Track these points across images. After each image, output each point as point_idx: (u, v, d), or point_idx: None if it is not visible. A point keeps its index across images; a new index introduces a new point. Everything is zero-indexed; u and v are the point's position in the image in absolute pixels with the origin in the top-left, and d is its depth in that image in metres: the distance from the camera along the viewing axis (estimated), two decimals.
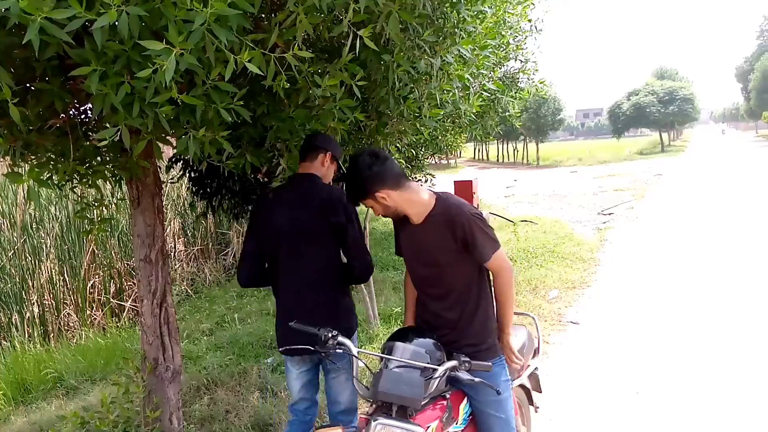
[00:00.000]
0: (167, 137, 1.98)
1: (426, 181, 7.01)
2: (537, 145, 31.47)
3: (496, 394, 1.89)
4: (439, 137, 5.63)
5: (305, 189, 2.35)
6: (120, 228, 7.23)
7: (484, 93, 3.79)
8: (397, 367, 1.79)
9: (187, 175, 3.75)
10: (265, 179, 3.45)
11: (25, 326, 6.02)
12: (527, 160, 33.25)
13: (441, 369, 1.80)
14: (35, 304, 6.21)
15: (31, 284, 6.31)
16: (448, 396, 1.94)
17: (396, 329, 2.16)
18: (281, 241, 2.33)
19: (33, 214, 7.06)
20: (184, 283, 7.66)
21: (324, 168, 2.41)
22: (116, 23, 1.31)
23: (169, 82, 1.37)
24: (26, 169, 1.96)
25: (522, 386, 2.55)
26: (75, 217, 3.09)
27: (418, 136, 4.38)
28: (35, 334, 5.99)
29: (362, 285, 4.59)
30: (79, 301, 6.48)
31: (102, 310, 6.58)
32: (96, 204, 2.64)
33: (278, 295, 2.43)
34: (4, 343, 5.80)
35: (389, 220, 2.13)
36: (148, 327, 2.61)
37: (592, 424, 3.21)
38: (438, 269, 2.02)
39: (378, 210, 2.01)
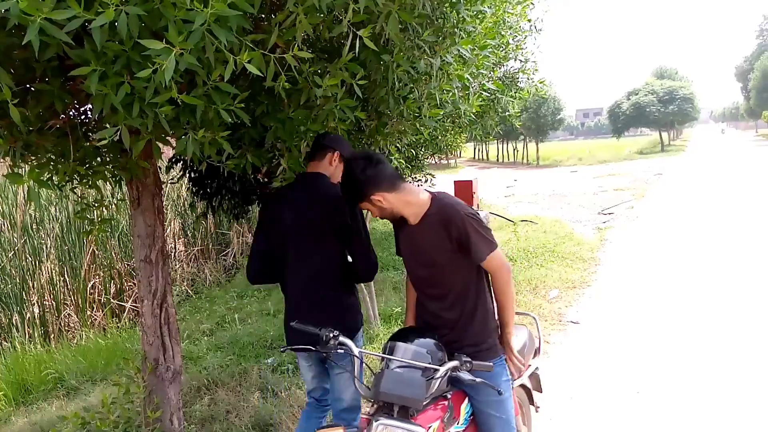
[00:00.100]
0: (167, 137, 1.98)
1: (426, 181, 7.01)
2: (537, 144, 31.47)
3: (497, 394, 1.88)
4: (439, 137, 5.63)
5: (312, 188, 2.36)
6: (120, 228, 7.23)
7: (484, 93, 3.79)
8: (399, 367, 1.78)
9: (187, 175, 3.75)
10: (265, 179, 3.46)
11: (26, 327, 6.03)
12: (527, 160, 33.22)
13: (442, 369, 1.79)
14: (36, 304, 6.22)
15: (31, 285, 6.32)
16: (449, 396, 1.94)
17: (397, 329, 2.16)
18: (288, 238, 2.34)
19: (33, 214, 7.07)
20: (185, 284, 7.67)
21: (332, 167, 2.41)
22: (116, 23, 1.31)
23: (169, 82, 1.37)
24: (26, 169, 1.96)
25: (523, 386, 2.55)
26: (75, 217, 3.09)
27: (418, 136, 4.37)
28: (36, 335, 6.00)
29: (363, 285, 4.59)
30: (80, 302, 6.48)
31: (102, 311, 6.59)
32: (96, 204, 2.64)
33: (285, 292, 2.46)
34: (5, 343, 5.80)
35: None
36: (148, 327, 2.61)
37: (593, 423, 3.21)
38: (435, 269, 2.02)
39: (374, 212, 2.01)
